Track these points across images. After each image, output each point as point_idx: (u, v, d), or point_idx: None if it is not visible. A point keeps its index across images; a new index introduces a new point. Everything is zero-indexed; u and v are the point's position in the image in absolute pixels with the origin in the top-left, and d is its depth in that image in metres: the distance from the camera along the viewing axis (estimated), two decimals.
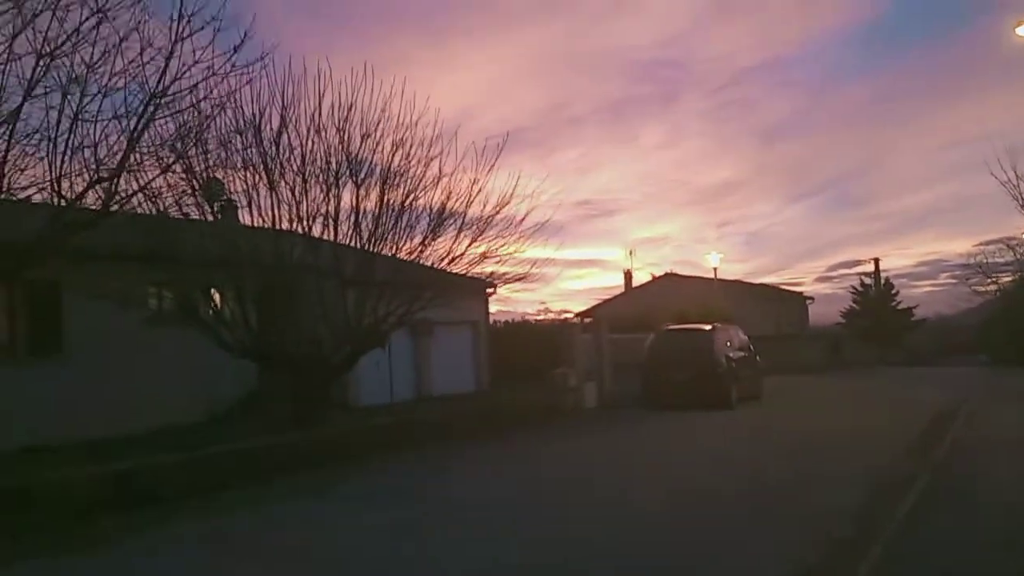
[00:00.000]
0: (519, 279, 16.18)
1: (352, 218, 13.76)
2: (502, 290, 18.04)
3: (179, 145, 11.34)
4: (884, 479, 9.97)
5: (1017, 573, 6.40)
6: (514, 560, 6.82)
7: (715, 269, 41.02)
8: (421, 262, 14.51)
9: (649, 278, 49.02)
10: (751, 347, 22.95)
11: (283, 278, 13.42)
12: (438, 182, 14.22)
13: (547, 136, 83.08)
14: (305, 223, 13.37)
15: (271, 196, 13.17)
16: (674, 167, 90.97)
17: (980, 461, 11.64)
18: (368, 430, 13.95)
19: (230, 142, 12.61)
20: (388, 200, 13.90)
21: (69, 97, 9.37)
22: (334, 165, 13.38)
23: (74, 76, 9.33)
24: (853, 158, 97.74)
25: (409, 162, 13.88)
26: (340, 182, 13.49)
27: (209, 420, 15.36)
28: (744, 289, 45.45)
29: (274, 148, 13.00)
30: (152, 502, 9.19)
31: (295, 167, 13.18)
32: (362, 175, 13.65)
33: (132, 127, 9.97)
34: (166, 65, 9.83)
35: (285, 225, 13.34)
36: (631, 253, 51.97)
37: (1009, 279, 45.67)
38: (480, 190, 14.47)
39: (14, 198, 9.71)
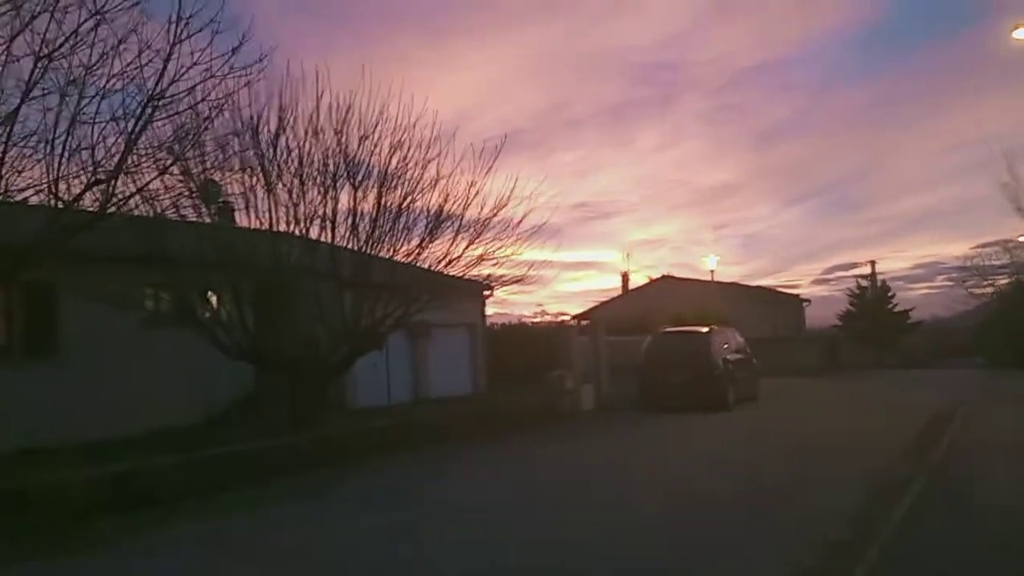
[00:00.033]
0: (516, 281, 16.21)
1: (349, 220, 13.78)
2: (499, 292, 18.04)
3: (177, 147, 11.34)
4: (881, 481, 9.98)
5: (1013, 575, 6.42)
6: (511, 562, 6.83)
7: (712, 271, 41.17)
8: (418, 264, 14.51)
9: (646, 280, 49.12)
10: (748, 349, 22.99)
11: (280, 280, 13.42)
12: (436, 184, 14.25)
13: (545, 138, 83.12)
14: (302, 225, 13.38)
15: (268, 198, 13.17)
16: (672, 169, 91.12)
17: (976, 464, 11.65)
18: (365, 432, 13.94)
19: (228, 144, 12.62)
20: (386, 202, 13.91)
21: (67, 99, 9.40)
22: (332, 167, 13.39)
23: (72, 78, 9.35)
24: (850, 161, 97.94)
25: (407, 164, 13.91)
26: (338, 184, 13.50)
27: (206, 422, 15.35)
28: (741, 291, 45.51)
29: (271, 150, 13.00)
30: (149, 504, 9.19)
31: (292, 169, 13.20)
32: (360, 177, 13.67)
33: (130, 129, 9.98)
34: (164, 67, 9.84)
35: (283, 227, 13.34)
36: (628, 255, 52.11)
37: (1005, 281, 45.86)
38: (478, 192, 14.51)
39: (11, 200, 9.71)
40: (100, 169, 9.84)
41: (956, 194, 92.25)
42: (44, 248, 10.21)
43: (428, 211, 14.43)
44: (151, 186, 11.48)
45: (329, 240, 13.69)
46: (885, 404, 21.57)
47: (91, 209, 10.35)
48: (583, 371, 20.75)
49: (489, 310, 25.10)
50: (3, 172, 9.30)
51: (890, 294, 51.34)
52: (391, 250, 14.13)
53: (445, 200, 14.35)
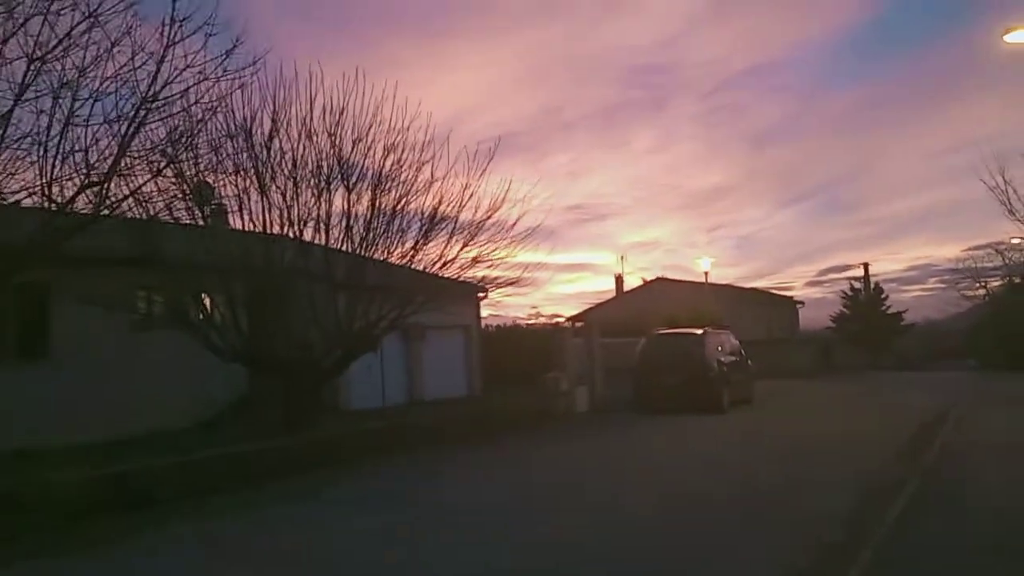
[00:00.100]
0: (511, 283, 16.21)
1: (343, 222, 13.78)
2: (494, 294, 18.05)
3: (170, 149, 11.33)
4: (874, 484, 9.99)
5: None
6: (506, 565, 6.82)
7: (706, 273, 41.22)
8: (413, 266, 14.50)
9: (640, 282, 49.15)
10: (742, 351, 23.02)
11: (274, 282, 13.41)
12: (430, 186, 14.27)
13: (539, 140, 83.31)
14: (296, 227, 13.37)
15: (262, 200, 13.17)
16: (665, 171, 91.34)
17: (969, 466, 11.67)
18: (360, 434, 13.92)
19: (221, 146, 12.61)
20: (380, 204, 13.92)
21: (60, 101, 9.41)
22: (325, 169, 13.40)
23: (65, 80, 9.38)
24: (843, 163, 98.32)
25: (401, 166, 13.93)
26: (331, 186, 13.51)
27: (200, 424, 15.33)
28: (735, 293, 45.54)
29: (265, 152, 13.00)
30: (143, 506, 9.18)
31: (286, 171, 13.19)
32: (353, 179, 13.69)
33: (123, 131, 9.98)
34: (157, 69, 9.89)
35: (276, 229, 13.32)
36: (622, 257, 52.24)
37: (998, 284, 46.09)
38: (472, 195, 14.53)
39: (5, 202, 9.70)
40: (94, 171, 9.84)
41: (948, 197, 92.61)
42: (38, 251, 10.20)
43: (422, 213, 14.47)
44: (145, 188, 11.51)
45: (323, 242, 13.70)
46: (878, 406, 21.63)
47: (85, 211, 10.34)
48: (578, 373, 20.76)
49: (484, 312, 25.17)
50: None
51: (883, 296, 51.60)
52: (385, 252, 14.14)
53: (439, 202, 14.39)
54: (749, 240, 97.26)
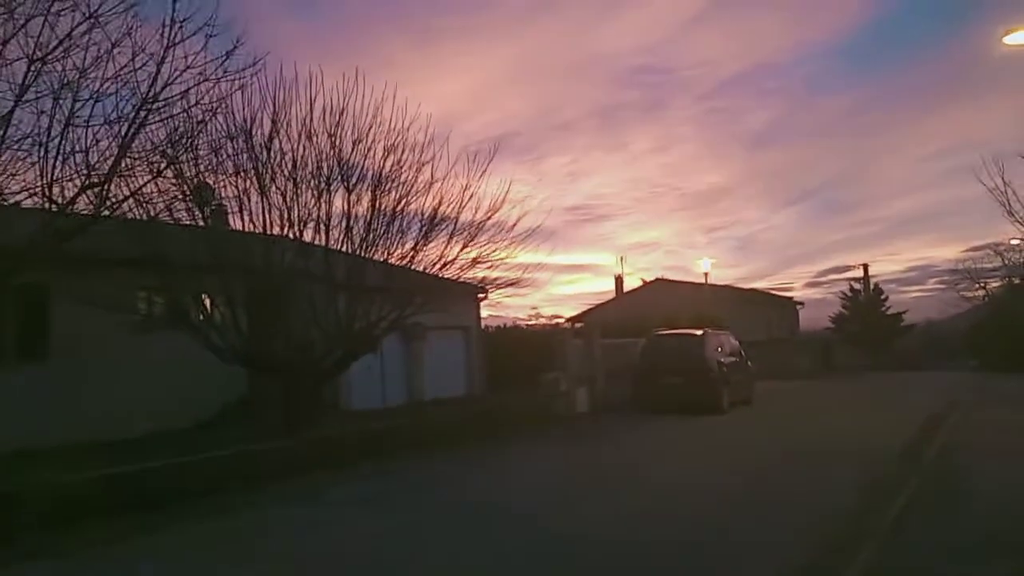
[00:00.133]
0: (511, 284, 16.20)
1: (344, 223, 13.75)
2: (494, 295, 18.03)
3: (170, 150, 11.33)
4: (877, 484, 10.09)
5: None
6: (514, 563, 6.85)
7: (706, 274, 41.26)
8: (413, 267, 14.51)
9: (640, 283, 49.16)
10: (742, 352, 23.03)
11: (274, 283, 13.39)
12: (430, 187, 14.25)
13: (537, 142, 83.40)
14: (296, 228, 13.34)
15: (262, 201, 13.13)
16: (664, 172, 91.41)
17: (969, 466, 11.64)
18: (360, 435, 13.90)
19: (221, 147, 12.59)
20: (380, 205, 13.90)
21: (61, 102, 9.40)
22: (325, 170, 13.37)
23: (66, 81, 9.37)
24: (843, 164, 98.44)
25: (401, 167, 13.91)
26: (331, 187, 13.49)
27: (200, 425, 15.33)
28: (734, 294, 45.57)
29: (265, 153, 12.98)
30: (143, 507, 9.15)
31: (286, 172, 13.17)
32: (353, 180, 13.65)
33: (124, 132, 9.99)
34: (158, 70, 9.89)
35: (276, 230, 13.29)
36: (622, 258, 52.18)
37: (997, 285, 46.14)
38: (472, 195, 14.52)
39: (5, 203, 9.70)
40: (94, 172, 9.85)
41: (948, 198, 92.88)
42: (38, 251, 10.20)
43: (422, 214, 14.46)
44: (145, 189, 11.49)
45: (323, 243, 13.68)
46: (879, 407, 21.67)
47: (85, 212, 10.34)
48: (578, 374, 20.77)
49: (484, 313, 25.16)
50: None
51: (883, 297, 51.68)
52: (385, 253, 14.12)
53: (439, 203, 14.39)
54: (749, 241, 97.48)
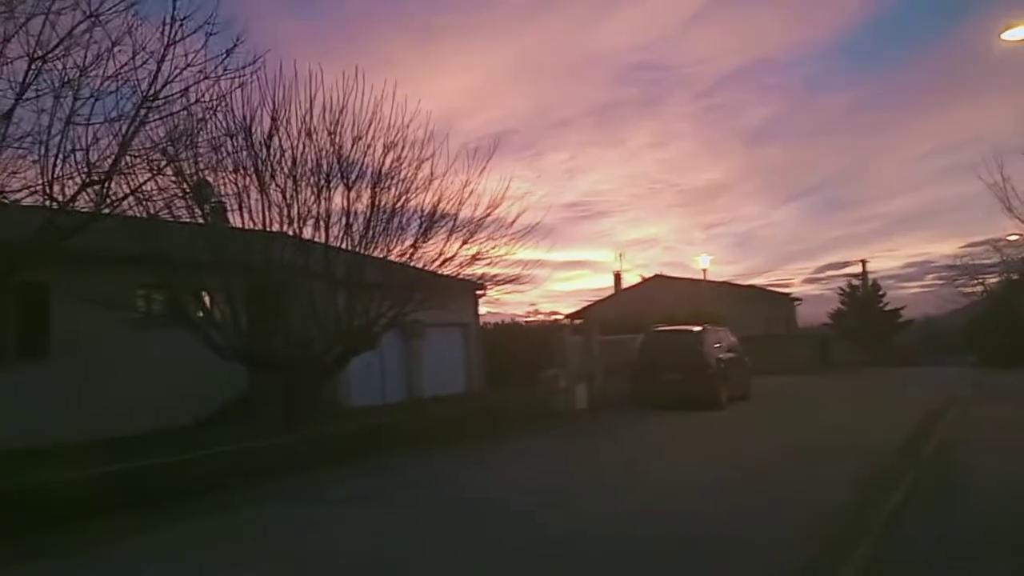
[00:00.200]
0: (510, 281, 16.26)
1: (343, 220, 13.79)
2: (493, 292, 18.09)
3: (170, 148, 11.35)
4: (876, 478, 10.17)
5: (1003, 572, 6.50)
6: (520, 559, 6.88)
7: (704, 270, 41.28)
8: (412, 264, 14.53)
9: (638, 280, 49.21)
10: (740, 348, 23.09)
11: (273, 280, 13.42)
12: (429, 184, 14.30)
13: (536, 139, 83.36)
14: (296, 225, 13.37)
15: (262, 198, 13.15)
16: (662, 169, 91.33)
17: (966, 460, 11.68)
18: (359, 432, 13.94)
19: (221, 145, 12.61)
20: (379, 202, 13.94)
21: (61, 100, 9.43)
22: (325, 167, 13.40)
23: (66, 79, 9.38)
24: (841, 160, 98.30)
25: (400, 164, 13.95)
26: (331, 184, 13.51)
27: (199, 422, 15.36)
28: (733, 290, 45.63)
29: (265, 151, 12.99)
30: (143, 505, 9.20)
31: (286, 169, 13.19)
32: (353, 177, 13.69)
33: (124, 130, 10.01)
34: (158, 69, 9.91)
35: (276, 227, 13.33)
36: (620, 255, 52.14)
37: (995, 280, 46.16)
38: (471, 192, 14.57)
39: (6, 201, 9.72)
40: (95, 170, 9.86)
41: (946, 193, 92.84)
42: (38, 249, 10.22)
43: (422, 211, 14.50)
44: (145, 187, 11.50)
45: (323, 240, 13.71)
46: (877, 402, 21.70)
47: (85, 210, 10.36)
48: (577, 370, 20.81)
49: (482, 309, 25.17)
50: None
51: (881, 293, 51.68)
52: (385, 250, 14.16)
53: (439, 200, 14.44)
54: (747, 237, 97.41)
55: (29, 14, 8.99)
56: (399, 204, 14.12)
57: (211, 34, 10.09)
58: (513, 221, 14.97)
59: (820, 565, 6.51)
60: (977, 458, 11.85)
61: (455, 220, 14.62)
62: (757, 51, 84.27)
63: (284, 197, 13.22)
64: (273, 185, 13.14)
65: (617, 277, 49.84)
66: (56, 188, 9.74)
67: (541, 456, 13.70)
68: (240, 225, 13.45)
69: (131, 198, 11.35)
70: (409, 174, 14.04)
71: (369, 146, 13.57)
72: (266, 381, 15.04)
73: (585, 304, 47.69)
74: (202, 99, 10.90)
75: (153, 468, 10.15)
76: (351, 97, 13.25)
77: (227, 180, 13.19)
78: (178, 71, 10.10)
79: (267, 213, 13.19)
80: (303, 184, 13.31)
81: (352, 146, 13.43)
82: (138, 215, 12.14)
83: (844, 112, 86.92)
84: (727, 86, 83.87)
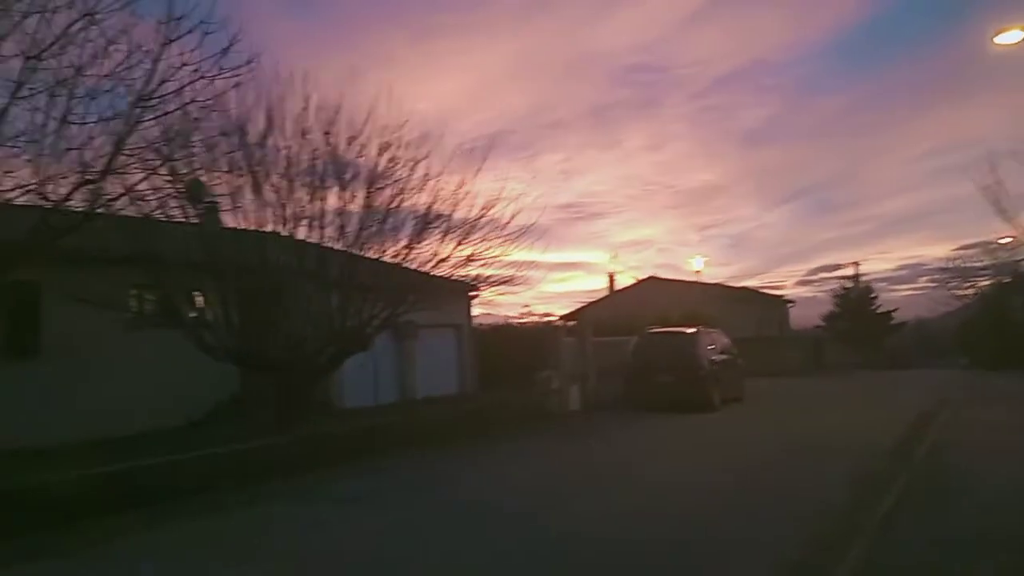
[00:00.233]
0: (504, 282, 16.25)
1: (337, 220, 13.77)
2: (487, 293, 18.05)
3: (165, 148, 11.31)
4: (868, 480, 10.19)
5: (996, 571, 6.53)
6: (519, 560, 6.89)
7: (698, 272, 41.38)
8: (406, 265, 14.52)
9: (632, 281, 49.25)
10: (733, 350, 23.13)
11: (267, 280, 13.39)
12: (424, 185, 14.28)
13: (530, 139, 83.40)
14: (290, 225, 13.36)
15: (256, 198, 13.15)
16: (657, 171, 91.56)
17: (958, 463, 11.73)
18: (352, 433, 13.92)
19: (216, 145, 12.57)
20: (374, 202, 13.93)
21: (56, 99, 9.38)
22: (319, 167, 13.41)
23: (61, 78, 9.33)
24: (834, 163, 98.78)
25: (395, 164, 13.94)
26: (325, 184, 13.51)
27: (192, 423, 15.32)
28: (726, 292, 45.71)
29: (259, 151, 12.99)
30: (141, 504, 9.18)
31: (280, 169, 13.20)
32: (347, 177, 13.69)
33: (118, 130, 9.97)
34: (153, 68, 9.86)
35: (270, 227, 13.32)
36: (614, 256, 52.14)
37: (987, 283, 46.29)
38: (466, 193, 14.55)
39: None
40: (89, 169, 9.83)
41: (939, 196, 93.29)
42: (31, 248, 10.18)
43: (416, 212, 14.47)
44: (139, 186, 11.45)
45: (317, 240, 13.69)
46: (870, 404, 21.75)
47: (79, 209, 10.32)
48: (570, 371, 20.82)
49: (476, 311, 25.17)
50: None
51: (873, 295, 51.89)
52: (379, 251, 14.15)
53: (433, 201, 14.41)
54: (741, 239, 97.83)
55: (25, 12, 8.95)
56: (393, 205, 14.12)
57: (207, 33, 10.04)
58: (508, 222, 14.97)
59: (812, 565, 6.53)
60: (969, 460, 11.89)
61: (450, 221, 14.62)
62: (753, 52, 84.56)
63: (278, 197, 13.21)
64: (267, 185, 13.15)
65: (611, 279, 49.91)
66: (50, 187, 9.70)
67: (535, 457, 13.72)
68: (234, 225, 13.43)
69: (125, 198, 11.30)
70: (404, 174, 14.04)
71: (364, 146, 13.60)
72: (259, 382, 15.01)
73: (579, 305, 47.69)
74: (197, 98, 10.85)
75: (146, 468, 10.12)
76: (346, 97, 13.30)
77: (221, 180, 13.17)
78: (173, 70, 10.06)
79: (261, 213, 13.19)
80: (297, 184, 13.31)
81: (347, 146, 13.45)
82: (132, 215, 12.10)
83: (839, 114, 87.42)
84: (723, 87, 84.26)
